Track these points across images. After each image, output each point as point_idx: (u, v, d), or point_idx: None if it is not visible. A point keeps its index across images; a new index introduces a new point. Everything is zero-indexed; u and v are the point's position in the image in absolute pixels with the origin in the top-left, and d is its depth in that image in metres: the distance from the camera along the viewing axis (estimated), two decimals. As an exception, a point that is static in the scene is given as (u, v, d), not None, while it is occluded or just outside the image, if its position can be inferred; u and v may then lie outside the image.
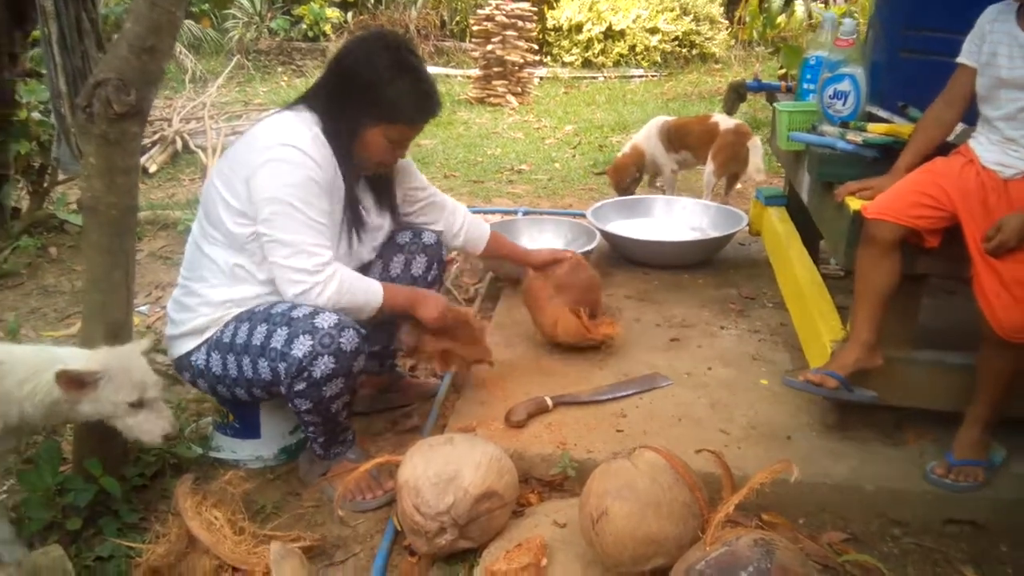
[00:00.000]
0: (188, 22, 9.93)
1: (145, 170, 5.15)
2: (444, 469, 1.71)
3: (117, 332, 1.81)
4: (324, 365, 1.78)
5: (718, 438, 2.07)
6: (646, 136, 4.23)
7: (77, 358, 1.63)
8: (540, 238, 3.44)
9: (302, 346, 1.76)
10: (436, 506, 1.67)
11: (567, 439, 2.06)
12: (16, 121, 3.14)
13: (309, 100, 1.95)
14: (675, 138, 4.18)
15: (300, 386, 1.81)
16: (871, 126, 2.18)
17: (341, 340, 1.79)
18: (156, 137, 5.69)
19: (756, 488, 1.47)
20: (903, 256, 1.88)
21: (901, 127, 2.15)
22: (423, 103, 1.93)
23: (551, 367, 2.45)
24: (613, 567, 1.57)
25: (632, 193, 4.24)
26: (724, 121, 4.07)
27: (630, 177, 4.21)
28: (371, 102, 1.88)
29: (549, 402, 2.19)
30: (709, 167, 4.11)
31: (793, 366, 2.43)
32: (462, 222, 2.33)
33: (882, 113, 2.35)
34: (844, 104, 2.25)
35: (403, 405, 2.45)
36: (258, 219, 1.81)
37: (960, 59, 1.92)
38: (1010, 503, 1.86)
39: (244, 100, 7.74)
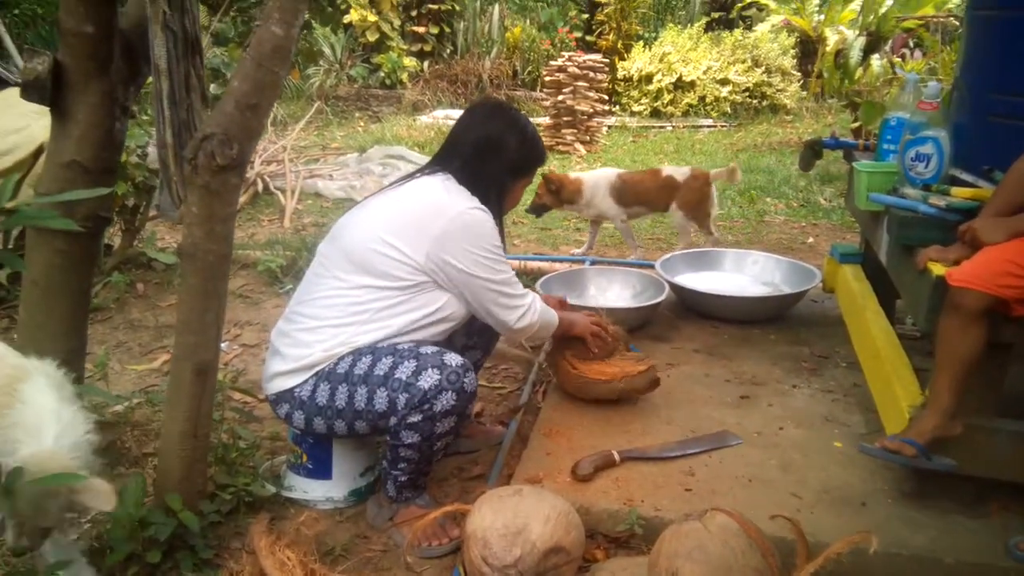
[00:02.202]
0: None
1: (227, 210, 5.37)
2: (512, 521, 1.72)
3: (205, 371, 1.89)
4: (446, 400, 1.89)
5: (790, 501, 2.02)
6: (593, 186, 4.20)
7: None
8: (608, 288, 3.44)
9: (429, 379, 1.88)
10: (504, 558, 1.68)
11: (634, 495, 2.05)
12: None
13: (446, 169, 2.13)
14: (628, 193, 4.19)
15: (415, 418, 1.89)
16: (955, 190, 2.15)
17: (465, 380, 1.91)
18: (238, 179, 5.93)
19: (831, 558, 1.45)
20: (988, 324, 1.83)
21: (986, 191, 2.11)
22: (542, 149, 2.26)
23: (617, 420, 2.44)
24: (681, 631, 1.54)
25: (539, 215, 4.37)
26: (679, 172, 4.18)
27: (552, 202, 4.21)
28: (511, 165, 2.17)
29: (616, 456, 2.19)
30: (678, 216, 4.19)
31: (867, 429, 2.37)
32: None
33: (966, 177, 2.30)
34: (926, 167, 2.22)
35: (469, 451, 2.47)
36: (463, 268, 2.01)
37: None
38: (1102, 586, 1.77)
39: (322, 144, 8.02)
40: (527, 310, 2.14)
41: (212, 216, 1.75)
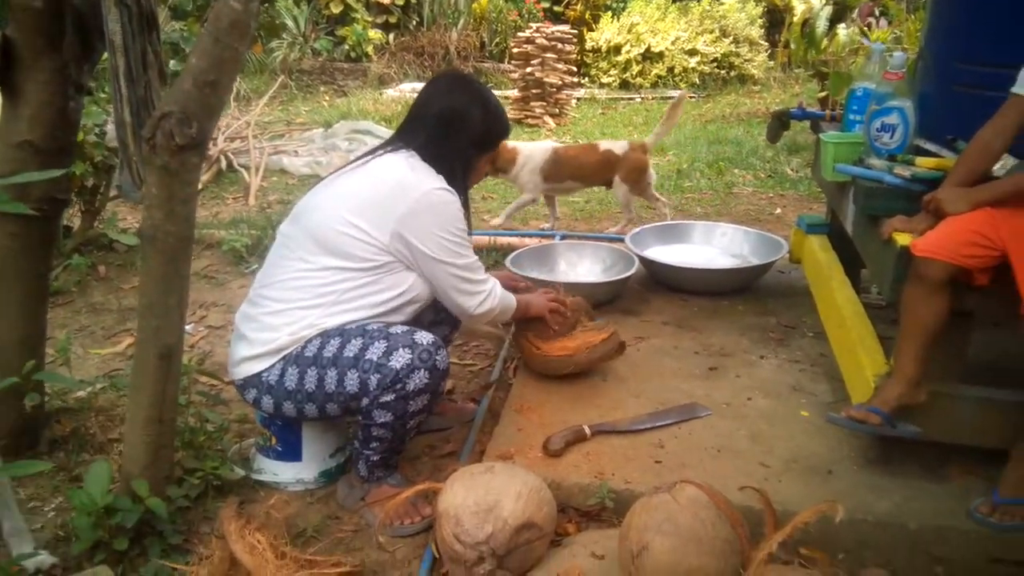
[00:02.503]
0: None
1: (191, 189, 5.27)
2: (484, 498, 1.72)
3: (169, 355, 1.85)
4: (419, 379, 1.88)
5: (758, 471, 2.05)
6: (527, 157, 4.15)
7: None
8: (579, 263, 3.44)
9: (401, 358, 1.87)
10: (476, 535, 1.68)
11: (605, 469, 2.06)
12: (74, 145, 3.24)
13: (407, 145, 2.09)
14: (563, 168, 4.15)
15: (388, 397, 1.88)
16: (920, 160, 2.16)
17: (437, 358, 1.91)
18: (201, 156, 5.81)
19: (799, 526, 1.47)
20: (952, 293, 1.85)
21: (950, 161, 2.12)
22: (505, 121, 2.23)
23: (588, 394, 2.45)
24: (653, 602, 1.56)
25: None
26: (617, 146, 4.16)
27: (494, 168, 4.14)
28: (474, 138, 2.13)
29: (587, 431, 2.20)
30: (622, 190, 4.17)
31: (834, 398, 2.40)
32: None
33: (931, 147, 2.32)
34: (892, 137, 2.23)
35: (441, 428, 2.47)
36: (425, 247, 1.99)
37: (1015, 89, 1.90)
38: (1059, 545, 1.82)
39: (287, 119, 7.88)
40: (487, 296, 2.13)
41: (172, 197, 1.71)
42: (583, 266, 3.43)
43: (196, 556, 1.82)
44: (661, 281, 3.34)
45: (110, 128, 3.57)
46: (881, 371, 2.04)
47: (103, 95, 3.99)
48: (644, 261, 3.30)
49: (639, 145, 4.19)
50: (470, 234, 2.19)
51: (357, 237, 1.96)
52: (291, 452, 2.15)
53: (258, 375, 1.98)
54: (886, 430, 1.92)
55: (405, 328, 1.97)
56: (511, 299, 2.28)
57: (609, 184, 4.24)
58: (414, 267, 2.03)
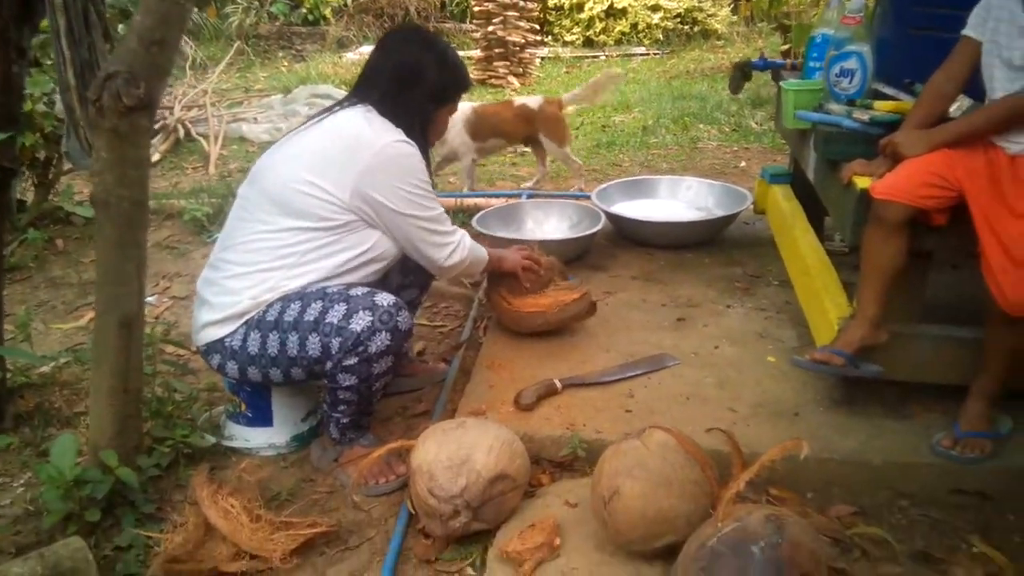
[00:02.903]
0: (188, 9, 9.85)
1: (148, 160, 5.16)
2: (457, 453, 1.73)
3: (130, 324, 1.82)
4: (380, 340, 1.86)
5: (726, 416, 2.08)
6: (453, 120, 4.14)
7: None
8: (545, 221, 3.43)
9: (361, 321, 1.85)
10: (450, 489, 1.69)
11: (576, 420, 2.08)
12: (21, 114, 3.15)
13: (363, 100, 2.05)
14: (484, 126, 4.15)
15: (351, 361, 1.87)
16: (878, 104, 2.18)
17: (398, 319, 1.89)
18: (158, 126, 5.68)
19: (766, 465, 1.49)
20: (910, 234, 1.88)
21: (908, 104, 2.14)
22: (464, 74, 2.17)
23: (558, 350, 2.46)
24: (625, 545, 1.59)
25: None
26: (532, 100, 4.17)
27: None
28: (431, 91, 2.07)
29: (558, 384, 2.21)
30: (552, 148, 4.18)
31: (800, 343, 2.44)
32: None
33: (889, 91, 2.34)
34: (851, 82, 2.24)
35: (413, 389, 2.47)
36: (390, 203, 1.96)
37: (965, 31, 1.91)
38: (1016, 473, 1.88)
39: (245, 87, 7.72)
40: (456, 247, 2.11)
41: (123, 160, 1.66)
42: (550, 224, 3.43)
43: (170, 524, 1.82)
44: (628, 236, 3.35)
45: (60, 98, 3.48)
46: (845, 315, 2.08)
47: (49, 62, 3.87)
48: (610, 217, 3.31)
49: (554, 100, 4.17)
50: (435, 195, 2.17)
51: (317, 196, 1.92)
52: (262, 418, 2.14)
53: (221, 340, 1.96)
54: (849, 371, 1.96)
55: (365, 290, 1.94)
56: (482, 251, 2.25)
57: (535, 143, 4.22)
58: (378, 224, 2.00)
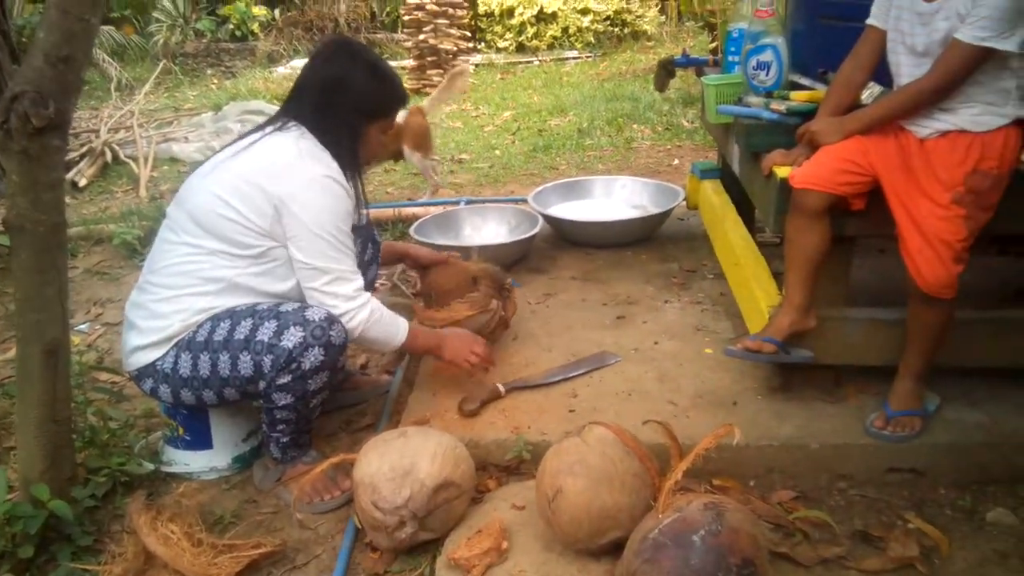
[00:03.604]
0: (108, 28, 9.64)
1: (75, 184, 5.00)
2: (399, 463, 1.72)
3: (55, 351, 1.77)
4: (314, 357, 1.83)
5: (667, 409, 2.11)
6: None
7: None
8: (484, 226, 3.44)
9: (292, 337, 1.81)
10: (394, 501, 1.68)
11: (521, 423, 2.09)
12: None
13: (295, 118, 1.99)
14: None
15: (285, 379, 1.83)
16: (794, 94, 2.24)
17: (331, 333, 1.85)
18: (84, 150, 5.51)
19: (704, 454, 1.52)
20: (831, 220, 1.94)
21: (822, 94, 2.20)
22: (396, 87, 2.08)
23: (501, 353, 2.46)
24: (572, 544, 1.60)
25: None
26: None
27: None
28: (361, 105, 1.99)
29: (501, 389, 2.21)
30: (416, 159, 4.15)
31: (735, 334, 2.49)
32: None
33: (804, 81, 2.40)
34: (767, 74, 2.30)
35: (356, 403, 2.44)
36: (295, 245, 1.89)
37: (869, 21, 1.97)
38: (945, 448, 1.95)
39: (174, 106, 7.55)
40: (345, 313, 1.91)
41: (36, 183, 1.61)
42: (488, 229, 3.44)
43: (108, 555, 1.76)
44: (566, 237, 3.38)
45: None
46: (775, 303, 2.13)
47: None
48: (548, 219, 3.33)
49: (416, 109, 4.13)
50: (368, 208, 2.12)
51: (238, 221, 1.88)
52: (201, 440, 2.10)
53: (152, 364, 1.92)
54: (781, 357, 2.01)
55: (296, 305, 1.89)
56: (395, 328, 2.02)
57: (400, 156, 4.16)
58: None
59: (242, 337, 1.84)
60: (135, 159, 5.45)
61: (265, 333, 1.83)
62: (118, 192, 5.06)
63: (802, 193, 1.91)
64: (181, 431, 2.09)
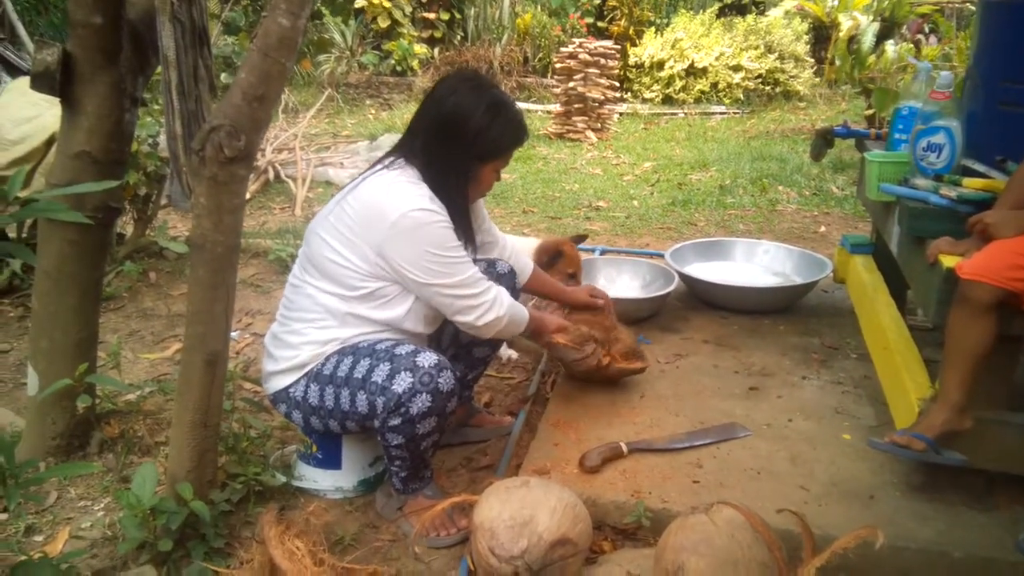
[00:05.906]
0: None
1: (238, 199, 5.38)
2: (519, 513, 1.72)
3: (215, 361, 1.90)
4: (421, 402, 1.87)
5: (798, 494, 2.02)
6: None
7: None
8: (618, 279, 3.44)
9: (402, 382, 1.86)
10: (510, 549, 1.68)
11: (642, 487, 2.06)
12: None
13: (407, 154, 2.02)
14: None
15: (395, 421, 1.89)
16: (967, 181, 2.13)
17: (439, 380, 1.88)
18: (250, 167, 5.93)
19: (837, 552, 1.45)
20: (999, 317, 1.82)
21: (998, 183, 2.08)
22: (520, 132, 2.05)
23: (625, 411, 2.44)
24: (687, 623, 1.55)
25: None
26: None
27: None
28: (477, 144, 1.97)
29: (624, 448, 2.19)
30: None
31: (877, 422, 2.36)
32: (509, 254, 2.40)
33: (979, 167, 2.28)
34: (938, 157, 2.20)
35: (478, 441, 2.48)
36: (411, 274, 1.94)
37: None
38: (1113, 581, 1.77)
39: (333, 132, 8.02)
40: (489, 307, 2.01)
41: (220, 207, 1.76)
42: (622, 281, 3.43)
43: (237, 560, 1.86)
44: (701, 298, 3.31)
45: (162, 139, 3.68)
46: (926, 395, 2.01)
47: (156, 107, 4.12)
48: (684, 278, 3.29)
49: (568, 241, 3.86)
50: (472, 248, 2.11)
51: (344, 265, 1.95)
52: (331, 460, 2.19)
53: (285, 390, 2.03)
54: (931, 457, 1.89)
55: (410, 349, 1.92)
56: (522, 310, 2.14)
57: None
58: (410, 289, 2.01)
59: (360, 376, 1.91)
60: (294, 179, 5.81)
61: (380, 375, 1.89)
62: (276, 208, 5.40)
63: (971, 285, 1.80)
64: (314, 448, 2.19)
